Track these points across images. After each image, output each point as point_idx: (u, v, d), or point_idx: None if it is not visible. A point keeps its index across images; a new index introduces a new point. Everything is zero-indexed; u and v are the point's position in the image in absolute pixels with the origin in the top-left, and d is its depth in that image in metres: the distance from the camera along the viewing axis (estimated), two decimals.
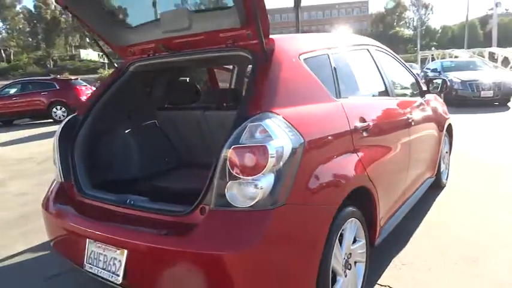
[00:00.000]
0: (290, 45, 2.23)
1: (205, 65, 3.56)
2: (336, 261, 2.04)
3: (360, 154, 2.28)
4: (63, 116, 15.32)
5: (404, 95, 3.54)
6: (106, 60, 42.52)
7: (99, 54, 43.52)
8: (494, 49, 18.70)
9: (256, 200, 1.68)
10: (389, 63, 3.34)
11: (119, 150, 2.79)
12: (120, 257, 1.93)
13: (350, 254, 2.22)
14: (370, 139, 2.43)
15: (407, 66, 3.88)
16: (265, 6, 1.91)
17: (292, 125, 1.81)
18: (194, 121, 2.91)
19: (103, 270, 2.00)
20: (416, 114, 3.31)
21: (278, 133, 1.73)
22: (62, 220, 2.30)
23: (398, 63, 3.61)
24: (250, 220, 1.68)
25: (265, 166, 1.68)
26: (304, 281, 1.84)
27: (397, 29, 73.10)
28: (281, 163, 1.71)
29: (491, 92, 11.19)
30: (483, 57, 17.29)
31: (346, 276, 2.16)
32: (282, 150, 1.71)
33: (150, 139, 2.99)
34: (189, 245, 1.70)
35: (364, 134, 2.36)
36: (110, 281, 1.96)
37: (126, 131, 2.88)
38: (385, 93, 3.03)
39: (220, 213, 1.73)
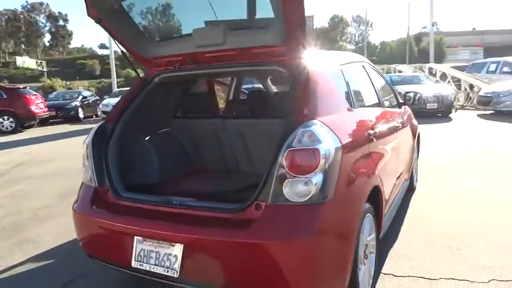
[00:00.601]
0: (319, 61, 2.53)
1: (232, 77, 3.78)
2: (361, 251, 2.34)
3: (373, 157, 2.62)
4: (11, 127, 14.45)
5: (390, 106, 3.97)
6: (45, 69, 40.50)
7: (36, 62, 41.22)
8: (432, 65, 20.42)
9: (310, 196, 1.93)
10: (377, 78, 3.76)
11: (141, 156, 2.91)
12: (175, 252, 2.09)
13: (366, 245, 2.53)
14: (377, 144, 2.78)
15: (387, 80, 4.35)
16: (305, 24, 2.19)
17: (332, 130, 2.09)
18: (211, 129, 3.11)
19: (156, 266, 2.13)
20: (400, 123, 3.75)
21: (324, 137, 2.01)
22: (102, 221, 2.38)
23: (382, 78, 4.06)
24: (306, 213, 1.93)
25: (317, 166, 1.94)
26: (344, 267, 2.10)
27: (341, 43, 76.64)
28: (328, 164, 1.98)
29: (436, 104, 12.32)
30: (423, 71, 18.82)
31: (364, 264, 2.46)
32: (329, 152, 1.99)
33: (166, 146, 3.13)
34: (254, 236, 1.92)
35: (374, 140, 2.70)
36: (165, 275, 2.11)
37: (146, 138, 3.00)
38: (378, 104, 3.43)
39: (279, 207, 1.96)
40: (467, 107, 15.28)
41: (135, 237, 2.23)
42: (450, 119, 12.20)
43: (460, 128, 10.55)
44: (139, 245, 2.22)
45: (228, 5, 2.60)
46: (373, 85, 3.43)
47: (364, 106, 3.06)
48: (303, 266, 1.90)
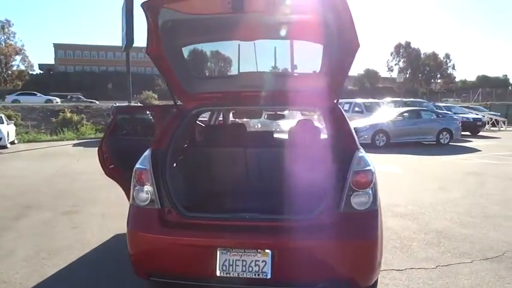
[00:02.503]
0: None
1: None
2: None
3: None
4: None
5: None
6: None
7: None
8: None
9: (368, 205, 2.63)
10: None
11: (179, 180, 3.16)
12: (263, 258, 2.50)
13: None
14: None
15: None
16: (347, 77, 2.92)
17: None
18: (232, 156, 3.52)
19: (245, 272, 2.50)
20: None
21: (370, 162, 2.75)
22: (179, 239, 2.60)
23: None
24: (369, 218, 2.61)
25: (371, 182, 2.66)
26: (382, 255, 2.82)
27: None
28: (374, 181, 2.71)
29: None
30: None
31: None
32: (374, 172, 2.73)
33: (190, 171, 3.42)
34: (338, 237, 2.50)
35: None
36: (256, 279, 2.48)
37: (174, 164, 3.26)
38: None
39: (350, 214, 2.59)
40: None
41: (218, 250, 2.54)
42: None
43: None
44: (223, 256, 2.54)
45: (272, 56, 3.16)
46: None
47: None
48: (371, 256, 2.57)
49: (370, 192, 2.64)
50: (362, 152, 2.77)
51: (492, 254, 4.15)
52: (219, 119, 5.09)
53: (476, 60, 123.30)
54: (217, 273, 2.52)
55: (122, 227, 5.01)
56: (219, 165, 3.57)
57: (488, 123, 23.10)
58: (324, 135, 3.67)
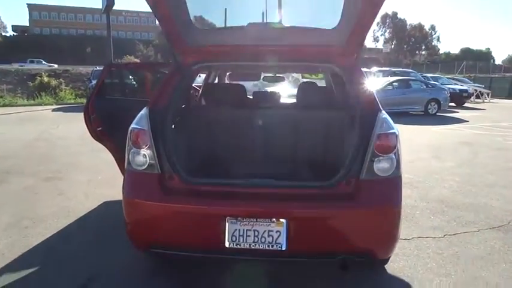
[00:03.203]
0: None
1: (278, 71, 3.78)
2: None
3: None
4: None
5: None
6: None
7: None
8: None
9: (392, 171, 2.40)
10: None
11: (179, 142, 2.86)
12: (277, 228, 2.27)
13: None
14: None
15: None
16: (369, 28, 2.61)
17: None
18: (238, 118, 3.22)
19: (256, 244, 2.26)
20: None
21: (393, 124, 2.50)
22: (185, 207, 2.34)
23: None
24: (392, 184, 2.39)
25: (395, 147, 2.42)
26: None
27: None
28: (398, 145, 2.48)
29: None
30: None
31: None
32: (398, 135, 2.49)
33: (192, 133, 3.12)
34: (361, 205, 2.29)
35: None
36: (269, 250, 2.26)
37: (173, 126, 2.94)
38: None
39: (372, 182, 2.36)
40: None
41: (227, 219, 2.29)
42: None
43: None
44: (232, 226, 2.29)
45: (286, 5, 2.79)
46: None
47: None
48: (393, 226, 2.37)
49: (394, 157, 2.41)
50: (385, 114, 2.52)
51: (498, 223, 4.05)
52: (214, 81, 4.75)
53: (460, 33, 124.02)
54: (226, 245, 2.29)
55: (110, 194, 4.75)
56: (225, 127, 3.26)
57: (473, 95, 23.25)
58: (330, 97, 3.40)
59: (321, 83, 4.46)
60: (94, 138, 4.08)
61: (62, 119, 13.37)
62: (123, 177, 2.60)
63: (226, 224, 2.29)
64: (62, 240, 3.53)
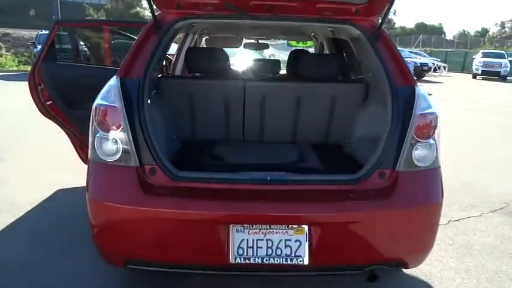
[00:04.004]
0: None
1: (282, 34, 3.09)
2: None
3: None
4: None
5: None
6: None
7: None
8: None
9: (432, 160, 1.93)
10: None
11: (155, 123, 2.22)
12: (297, 236, 1.75)
13: None
14: None
15: None
16: None
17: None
18: (233, 91, 2.59)
19: (271, 258, 1.74)
20: None
21: (431, 103, 2.02)
22: (173, 212, 1.75)
23: None
24: (433, 177, 1.93)
25: (435, 130, 1.95)
26: None
27: (138, 9, 72.66)
28: (439, 128, 2.00)
29: None
30: None
31: None
32: (439, 116, 2.01)
33: (169, 112, 2.48)
34: (398, 205, 1.81)
35: None
36: (288, 265, 1.75)
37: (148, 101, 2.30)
38: None
39: (412, 174, 1.89)
40: None
41: (231, 226, 1.75)
42: None
43: None
44: (238, 235, 1.75)
45: None
46: None
47: None
48: (431, 231, 1.94)
49: (434, 142, 1.94)
50: (423, 90, 2.03)
51: (497, 205, 3.82)
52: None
53: (415, 8, 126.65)
54: (231, 260, 1.74)
55: (63, 182, 3.98)
56: (216, 104, 2.64)
57: (431, 69, 23.67)
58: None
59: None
60: (43, 114, 3.32)
61: (1, 88, 11.93)
62: (85, 166, 1.97)
63: (231, 232, 1.75)
64: None
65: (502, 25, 55.80)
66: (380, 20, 2.24)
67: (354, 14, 2.22)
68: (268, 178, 1.87)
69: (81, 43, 5.15)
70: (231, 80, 2.81)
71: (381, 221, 1.81)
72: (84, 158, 3.31)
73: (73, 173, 3.72)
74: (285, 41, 11.06)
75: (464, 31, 66.74)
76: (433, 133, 1.94)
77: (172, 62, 3.76)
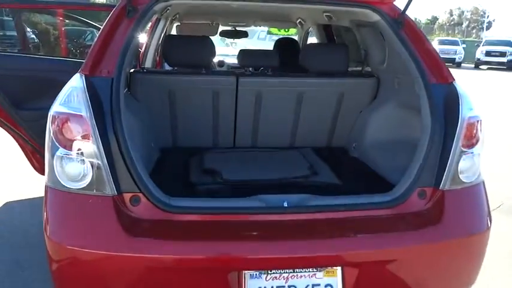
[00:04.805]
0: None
1: (263, 20, 2.74)
2: None
3: None
4: None
5: None
6: None
7: None
8: None
9: (477, 175, 1.62)
10: None
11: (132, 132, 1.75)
12: (327, 280, 1.38)
13: None
14: None
15: None
16: None
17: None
18: (225, 91, 2.15)
19: None
20: None
21: (473, 105, 1.69)
22: (163, 258, 1.32)
23: None
24: (480, 196, 1.62)
25: (480, 138, 1.64)
26: None
27: None
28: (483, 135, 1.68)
29: None
30: None
31: None
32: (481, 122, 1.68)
33: (146, 117, 2.02)
34: (448, 233, 1.48)
35: None
36: None
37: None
38: None
39: (458, 192, 1.56)
40: None
41: (244, 273, 1.34)
42: None
43: None
44: (253, 283, 1.35)
45: None
46: None
47: None
48: (483, 255, 1.62)
49: (479, 153, 1.63)
50: (462, 87, 1.70)
51: (492, 205, 3.65)
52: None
53: None
54: None
55: (12, 191, 3.38)
56: (203, 103, 2.18)
57: None
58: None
59: None
60: None
61: None
62: (42, 182, 1.48)
63: (244, 280, 1.34)
64: None
65: (451, 13, 57.80)
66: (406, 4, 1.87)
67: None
68: (285, 204, 1.47)
69: (28, 29, 4.48)
70: (221, 75, 2.37)
71: (430, 255, 1.47)
72: (37, 166, 2.81)
73: (29, 178, 3.15)
74: (256, 31, 10.61)
75: (415, 19, 69.18)
76: (478, 141, 1.62)
77: (141, 54, 3.24)
